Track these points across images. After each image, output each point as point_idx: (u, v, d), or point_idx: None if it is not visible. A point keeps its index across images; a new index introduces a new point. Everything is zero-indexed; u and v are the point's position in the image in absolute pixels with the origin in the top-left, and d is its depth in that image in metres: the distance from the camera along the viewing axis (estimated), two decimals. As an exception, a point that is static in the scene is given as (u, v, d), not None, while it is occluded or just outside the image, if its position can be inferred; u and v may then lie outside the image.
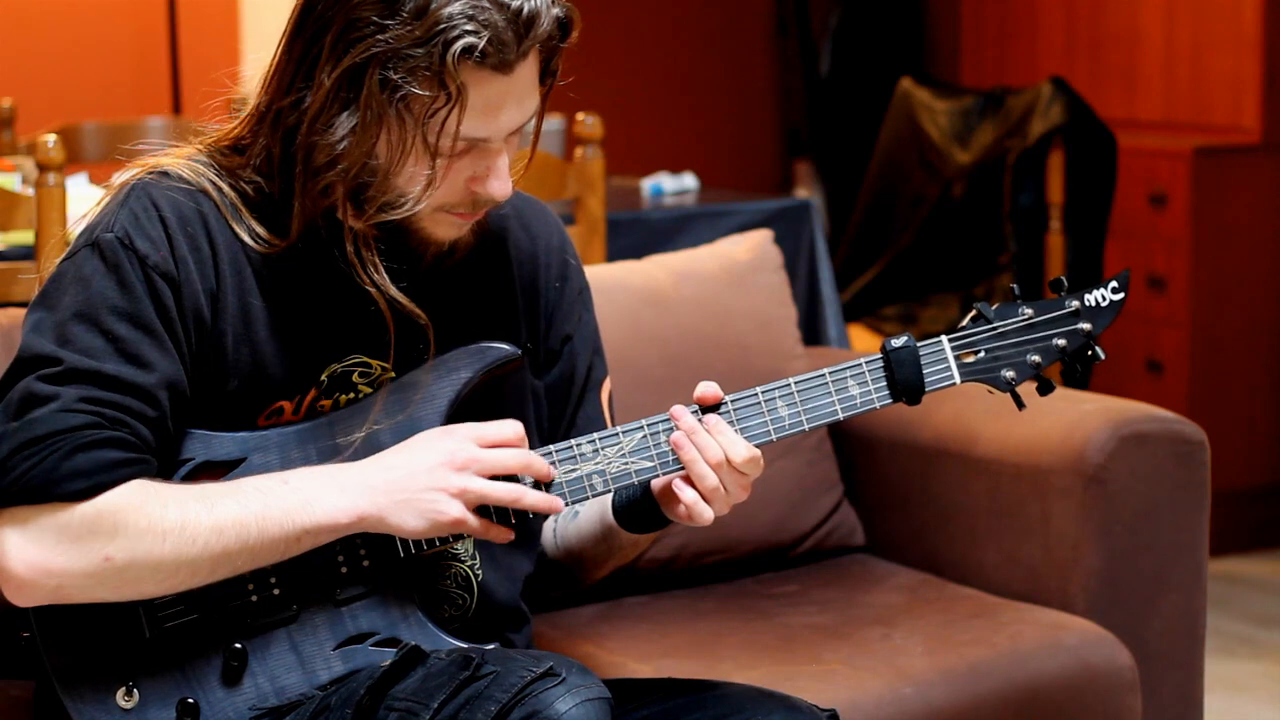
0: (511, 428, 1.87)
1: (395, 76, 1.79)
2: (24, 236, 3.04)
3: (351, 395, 1.92)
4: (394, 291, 1.87)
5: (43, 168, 2.86)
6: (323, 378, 1.92)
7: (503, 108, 1.83)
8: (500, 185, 1.87)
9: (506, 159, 1.87)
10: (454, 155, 1.84)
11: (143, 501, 1.78)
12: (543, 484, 1.88)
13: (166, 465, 1.85)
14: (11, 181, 3.29)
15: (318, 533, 1.83)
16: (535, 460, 1.87)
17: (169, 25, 5.76)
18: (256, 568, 1.84)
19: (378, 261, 1.87)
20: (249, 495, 1.82)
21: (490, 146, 1.85)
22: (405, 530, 1.84)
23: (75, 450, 1.76)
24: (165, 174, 1.89)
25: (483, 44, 1.78)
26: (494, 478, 1.85)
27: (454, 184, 1.86)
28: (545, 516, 2.03)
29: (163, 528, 1.78)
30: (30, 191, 2.96)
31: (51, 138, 2.88)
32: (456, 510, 1.83)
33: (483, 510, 1.86)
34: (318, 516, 1.82)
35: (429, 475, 1.83)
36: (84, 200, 3.03)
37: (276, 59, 1.88)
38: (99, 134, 4.47)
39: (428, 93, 1.79)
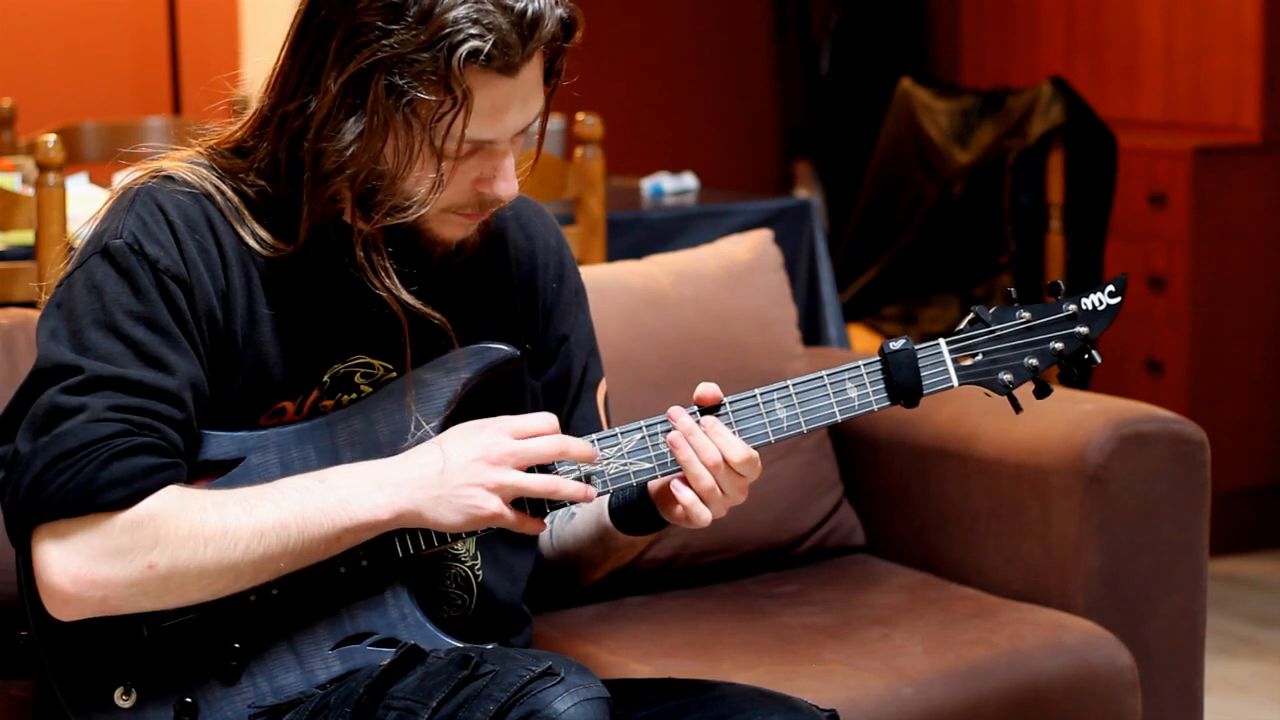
0: (544, 419, 1.87)
1: (401, 82, 1.79)
2: (24, 236, 3.04)
3: (353, 396, 1.93)
4: (406, 295, 1.87)
5: (43, 168, 2.86)
6: (325, 378, 1.92)
7: (508, 109, 1.83)
8: (506, 186, 1.87)
9: (512, 159, 1.87)
10: (460, 157, 1.84)
11: (182, 508, 1.78)
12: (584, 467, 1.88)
13: (190, 467, 1.84)
14: (11, 181, 3.29)
15: (358, 531, 1.83)
16: (572, 444, 1.86)
17: (169, 25, 5.76)
18: (297, 569, 1.83)
19: (388, 265, 1.87)
20: (287, 496, 1.81)
21: (496, 148, 1.85)
22: (443, 525, 1.84)
23: (110, 459, 1.75)
24: (169, 178, 1.89)
25: (488, 47, 1.78)
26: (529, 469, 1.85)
27: (460, 185, 1.87)
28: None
29: (204, 533, 1.78)
30: (30, 191, 2.96)
31: (51, 138, 2.88)
32: (494, 505, 1.83)
33: (517, 502, 1.87)
34: (357, 515, 1.82)
35: (465, 471, 1.83)
36: (84, 200, 3.03)
37: (280, 63, 1.87)
38: (99, 134, 4.47)
39: (434, 97, 1.79)
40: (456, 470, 1.83)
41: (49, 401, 1.77)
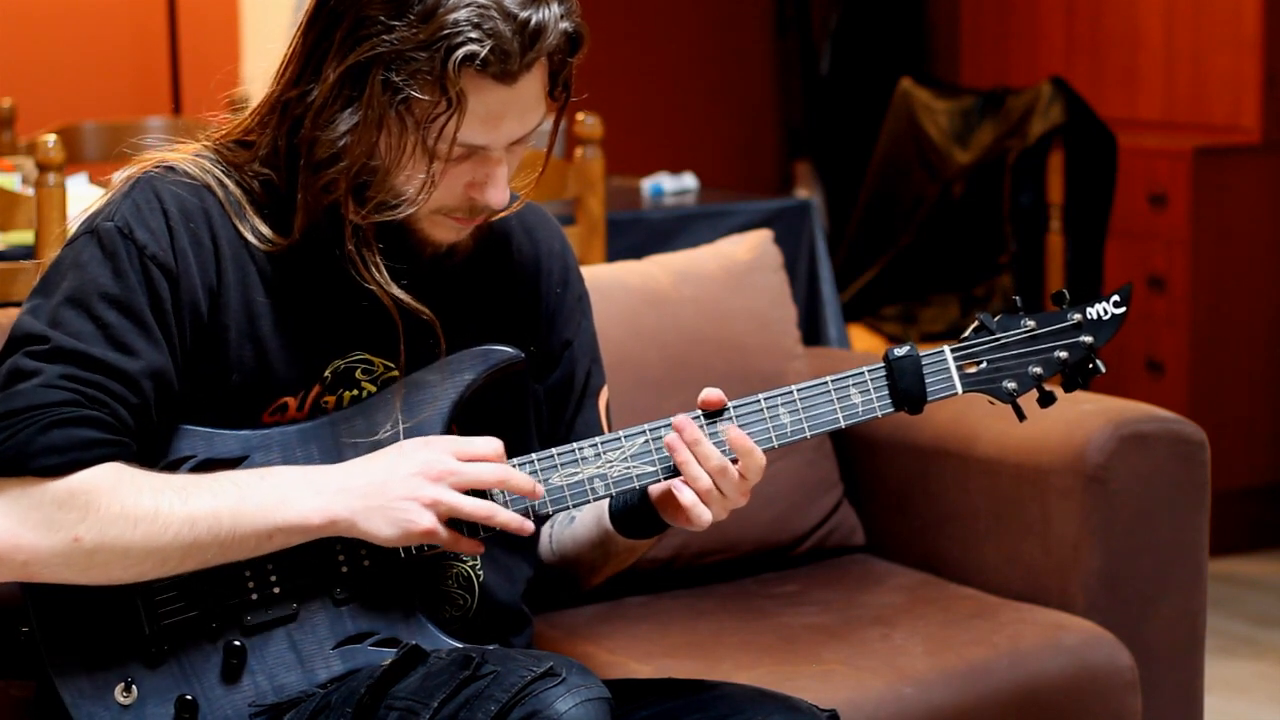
0: (490, 444, 1.87)
1: (397, 79, 1.79)
2: (24, 236, 3.04)
3: (355, 392, 1.93)
4: (396, 290, 1.88)
5: (43, 168, 2.86)
6: (326, 374, 1.92)
7: (504, 117, 1.83)
8: (497, 194, 1.87)
9: (505, 169, 1.87)
10: (453, 160, 1.84)
11: (116, 485, 1.78)
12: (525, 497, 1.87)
13: (152, 457, 1.84)
14: (11, 181, 3.29)
15: (289, 531, 1.83)
16: (513, 476, 1.86)
17: (169, 25, 5.76)
18: (225, 562, 1.83)
19: (379, 260, 1.88)
20: (224, 488, 1.82)
21: (490, 155, 1.85)
22: (376, 537, 1.84)
23: (51, 425, 1.76)
24: (171, 169, 1.90)
25: (485, 52, 1.77)
26: (471, 492, 1.85)
27: (452, 188, 1.87)
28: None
29: (135, 513, 1.78)
30: (30, 191, 2.96)
31: (51, 138, 2.88)
32: (428, 521, 1.83)
33: (456, 522, 1.86)
34: (290, 515, 1.82)
35: (404, 484, 1.83)
36: (84, 200, 3.02)
37: (290, 49, 1.88)
38: (99, 134, 4.47)
39: (428, 97, 1.79)
40: (396, 483, 1.83)
41: (11, 364, 1.80)
